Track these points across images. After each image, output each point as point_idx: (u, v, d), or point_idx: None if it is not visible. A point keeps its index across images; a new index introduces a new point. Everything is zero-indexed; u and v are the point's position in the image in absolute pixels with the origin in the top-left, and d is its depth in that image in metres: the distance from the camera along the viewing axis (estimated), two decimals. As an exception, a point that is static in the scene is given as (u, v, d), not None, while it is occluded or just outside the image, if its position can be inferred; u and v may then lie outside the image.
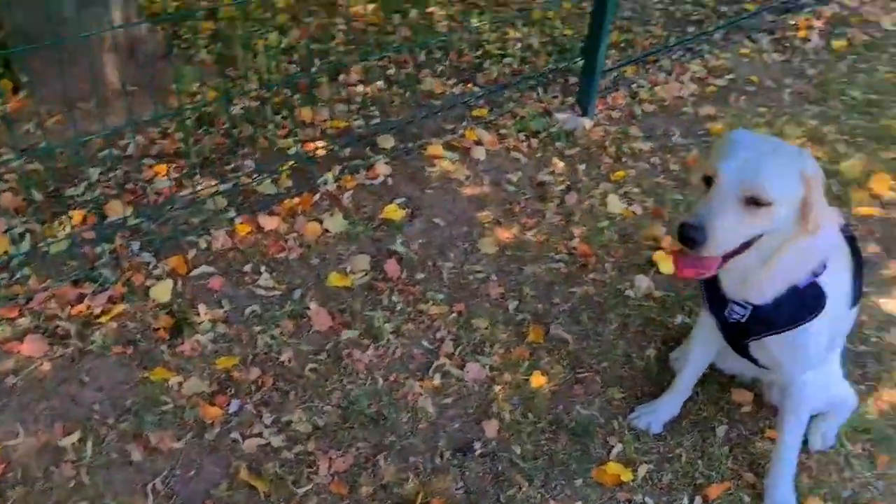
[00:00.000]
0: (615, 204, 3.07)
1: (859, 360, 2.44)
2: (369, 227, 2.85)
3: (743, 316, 1.79)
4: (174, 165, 3.07)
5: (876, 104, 3.98)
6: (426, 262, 2.72)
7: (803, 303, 1.73)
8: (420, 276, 2.66)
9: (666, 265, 2.76)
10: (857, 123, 3.78)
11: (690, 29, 4.60)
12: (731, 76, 4.21)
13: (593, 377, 2.34)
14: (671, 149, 3.53)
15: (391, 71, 3.89)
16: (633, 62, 4.15)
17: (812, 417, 2.06)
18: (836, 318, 1.83)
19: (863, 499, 2.04)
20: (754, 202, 1.55)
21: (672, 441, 2.15)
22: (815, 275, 1.72)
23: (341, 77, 3.74)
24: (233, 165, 3.09)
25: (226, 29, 4.15)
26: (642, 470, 2.06)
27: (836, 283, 1.77)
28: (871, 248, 2.89)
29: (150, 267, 2.58)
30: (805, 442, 2.08)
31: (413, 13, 4.45)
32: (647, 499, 2.00)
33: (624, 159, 3.41)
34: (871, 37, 4.78)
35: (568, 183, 3.19)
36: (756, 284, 1.74)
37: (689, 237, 1.55)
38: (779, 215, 1.59)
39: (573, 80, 3.94)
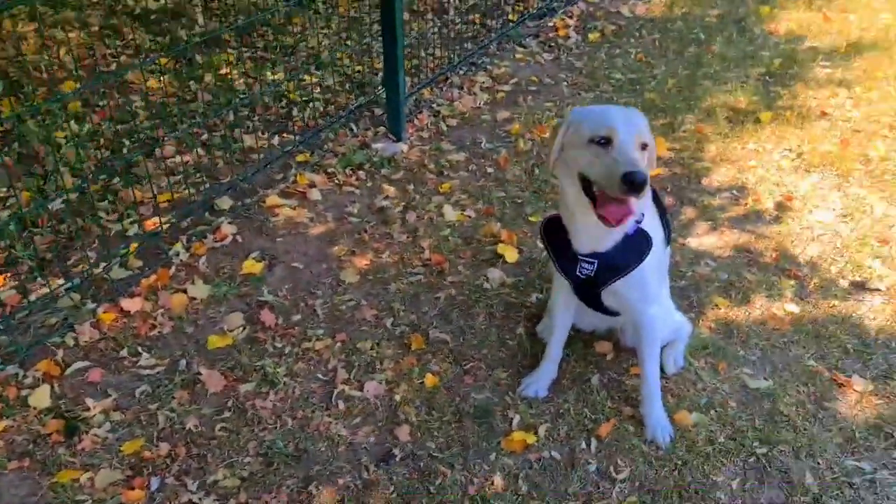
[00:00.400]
0: (450, 213, 3.37)
1: (683, 293, 2.89)
2: (233, 285, 2.93)
3: (592, 270, 2.12)
4: (10, 274, 2.96)
5: (637, 81, 4.61)
6: (298, 304, 2.85)
7: (637, 246, 2.10)
8: (296, 317, 2.79)
9: (511, 254, 3.09)
10: (627, 100, 4.36)
11: (468, 46, 5.03)
12: (514, 80, 4.69)
13: (478, 365, 2.59)
14: (483, 154, 3.89)
15: (205, 136, 3.95)
16: (427, 84, 4.50)
17: (662, 348, 2.45)
18: (658, 256, 2.22)
19: (717, 401, 2.45)
20: (644, 147, 1.95)
21: (559, 399, 2.45)
22: (639, 223, 2.10)
23: (157, 152, 3.75)
24: (73, 259, 3.04)
25: (14, 128, 3.99)
26: (542, 430, 2.34)
27: (653, 227, 2.16)
28: (668, 200, 3.39)
29: (20, 378, 2.51)
30: (662, 370, 2.46)
31: (208, 77, 4.52)
32: (553, 453, 2.28)
33: (445, 172, 3.72)
34: (618, 25, 5.50)
35: (403, 204, 3.44)
36: (604, 235, 2.08)
37: (640, 181, 1.83)
38: (647, 158, 1.99)
39: (379, 111, 4.21)
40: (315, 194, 3.48)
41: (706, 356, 2.62)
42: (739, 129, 4.02)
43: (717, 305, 2.83)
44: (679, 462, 2.25)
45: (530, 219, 3.34)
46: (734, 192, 3.51)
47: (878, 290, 2.90)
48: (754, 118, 4.11)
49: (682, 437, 2.31)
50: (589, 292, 2.24)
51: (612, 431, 2.34)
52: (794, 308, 2.81)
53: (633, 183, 1.84)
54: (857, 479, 2.20)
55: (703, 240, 3.20)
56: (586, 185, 1.99)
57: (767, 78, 4.61)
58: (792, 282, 2.94)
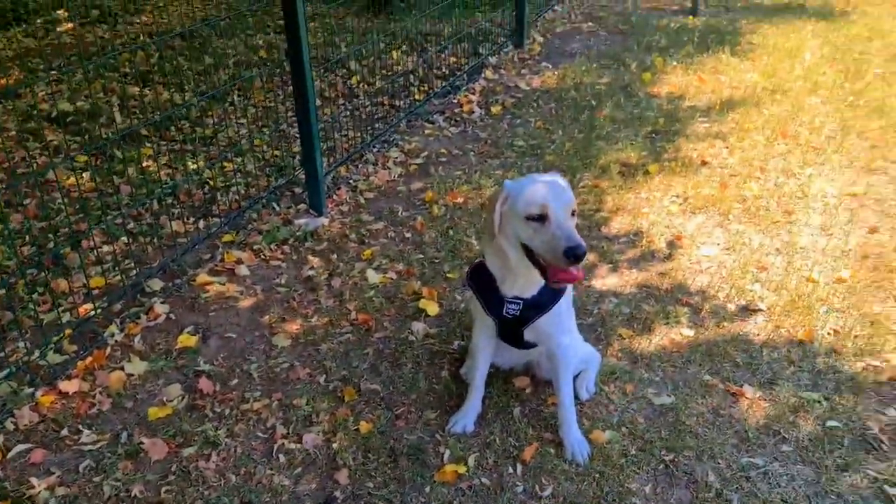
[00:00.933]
0: (373, 276, 3.59)
1: (591, 328, 3.17)
2: (169, 359, 3.06)
3: (517, 310, 2.39)
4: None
5: (538, 147, 5.00)
6: (234, 370, 2.99)
7: (554, 291, 2.38)
8: (233, 382, 2.93)
9: (432, 308, 3.32)
10: (530, 164, 4.73)
11: (379, 125, 5.36)
12: (425, 153, 5.02)
13: (408, 409, 2.78)
14: (400, 221, 4.15)
15: (131, 225, 4.10)
16: (343, 163, 4.78)
17: (574, 378, 2.70)
18: (569, 292, 2.51)
19: (627, 419, 2.70)
20: (573, 213, 2.21)
21: (485, 432, 2.66)
22: None
23: (84, 243, 3.87)
24: (9, 350, 3.11)
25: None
26: (471, 460, 2.53)
27: None
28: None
29: (-39, 466, 2.56)
30: (576, 396, 2.70)
31: (130, 170, 4.68)
32: (482, 479, 2.47)
33: (366, 240, 3.96)
34: (517, 98, 5.95)
35: (328, 272, 3.65)
36: (531, 284, 2.38)
37: (581, 254, 2.09)
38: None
39: (299, 190, 4.45)
40: (243, 270, 3.66)
41: (615, 381, 2.88)
42: (631, 181, 4.43)
43: (621, 336, 3.12)
44: (597, 475, 2.47)
45: (448, 276, 3.60)
46: (630, 236, 3.86)
47: (760, 310, 3.25)
48: (644, 171, 4.53)
49: (599, 452, 2.54)
50: (512, 329, 2.49)
51: (535, 455, 2.55)
52: (689, 332, 3.12)
53: (576, 256, 2.11)
54: (753, 473, 2.46)
55: (605, 280, 3.51)
56: (528, 251, 2.26)
57: (654, 135, 5.08)
58: (685, 309, 3.26)
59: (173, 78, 6.34)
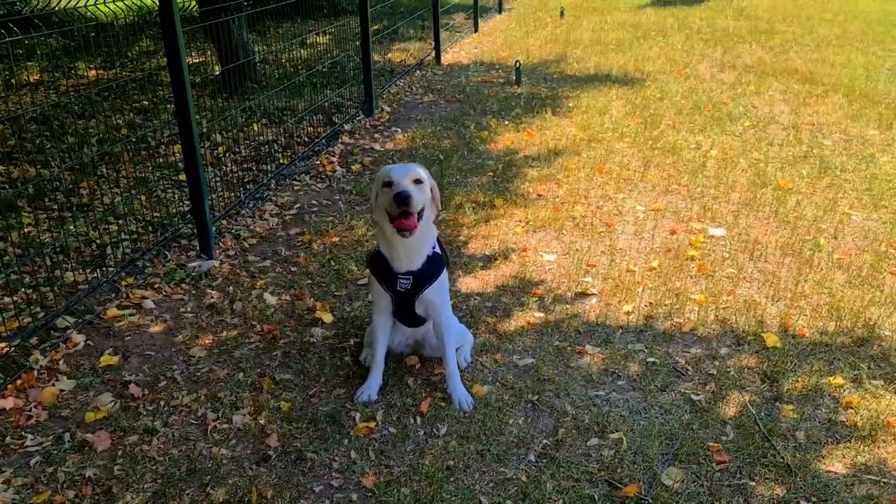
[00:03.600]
0: (271, 299, 4.09)
1: (463, 319, 3.83)
2: (96, 375, 3.40)
3: (409, 283, 3.01)
4: None
5: (398, 192, 5.70)
6: (159, 377, 3.38)
7: (437, 263, 3.07)
8: (161, 385, 3.32)
9: (327, 317, 3.87)
10: (393, 205, 5.41)
11: (250, 186, 5.88)
12: (298, 205, 5.59)
13: (320, 389, 3.30)
14: (285, 259, 4.68)
15: (28, 279, 4.35)
16: (224, 216, 5.25)
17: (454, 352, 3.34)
18: (445, 275, 3.17)
19: (499, 377, 3.36)
20: (417, 181, 2.87)
21: (387, 398, 3.22)
22: (434, 250, 3.05)
23: (-17, 297, 4.09)
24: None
25: None
26: (379, 416, 3.08)
27: (440, 256, 3.12)
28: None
29: (-89, 476, 2.78)
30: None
31: (14, 236, 4.91)
32: (390, 429, 3.02)
33: (257, 275, 4.46)
34: (374, 157, 6.68)
35: (229, 299, 4.11)
36: (416, 257, 3.02)
37: (404, 196, 2.76)
38: (426, 191, 2.91)
39: (185, 241, 4.88)
40: (149, 304, 4.04)
41: (486, 352, 3.54)
42: (482, 213, 5.22)
43: (487, 322, 3.81)
44: (481, 417, 3.09)
45: (336, 294, 4.16)
46: (486, 253, 4.61)
47: (593, 293, 4.06)
48: (491, 205, 5.35)
49: (480, 402, 3.17)
50: (406, 303, 3.10)
51: (430, 408, 3.14)
52: (540, 314, 3.86)
53: (398, 197, 2.80)
54: (598, 401, 3.18)
55: (469, 285, 4.21)
56: (392, 218, 2.92)
57: (496, 179, 5.95)
58: (535, 299, 4.01)
59: (38, 156, 6.56)
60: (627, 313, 3.86)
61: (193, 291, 4.24)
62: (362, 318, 3.88)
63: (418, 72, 10.20)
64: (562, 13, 15.43)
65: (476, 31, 13.84)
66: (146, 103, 8.48)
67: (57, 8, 4.08)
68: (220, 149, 6.89)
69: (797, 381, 3.26)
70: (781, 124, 7.34)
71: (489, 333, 3.71)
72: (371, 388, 3.24)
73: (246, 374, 3.41)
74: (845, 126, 7.24)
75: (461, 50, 12.08)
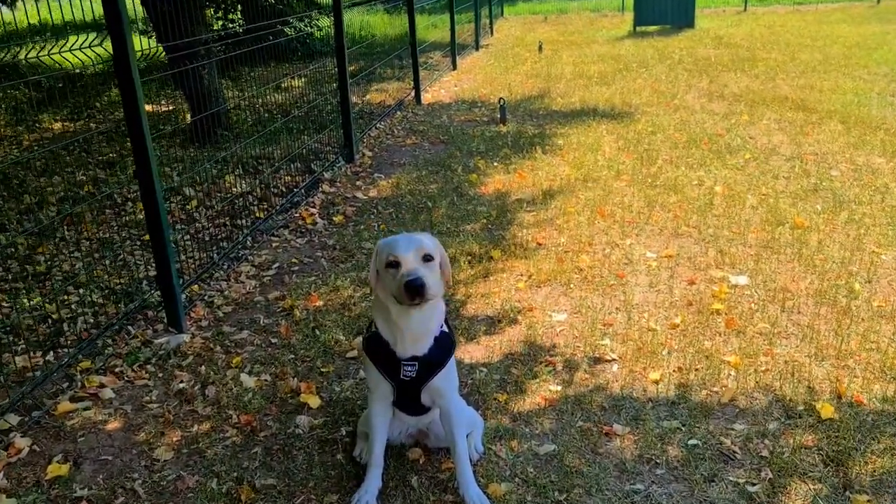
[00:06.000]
0: (248, 381, 3.59)
1: (469, 397, 3.35)
2: (41, 491, 2.87)
3: (414, 371, 2.54)
4: None
5: (386, 246, 5.23)
6: (116, 491, 2.86)
7: (445, 345, 2.59)
8: (118, 501, 2.79)
9: (314, 401, 3.37)
10: (382, 262, 4.95)
11: (224, 244, 5.40)
12: (276, 265, 5.11)
13: (308, 496, 2.79)
14: (264, 329, 4.19)
15: (-30, 367, 3.83)
16: (195, 282, 4.76)
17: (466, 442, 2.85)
18: (453, 359, 2.71)
19: (518, 471, 2.87)
20: (428, 258, 2.41)
21: (389, 501, 2.72)
22: (441, 329, 2.59)
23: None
24: None
25: None
26: (381, 531, 2.58)
27: (449, 336, 2.66)
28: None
29: None
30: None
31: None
32: (395, 548, 2.52)
33: (232, 350, 3.96)
34: (356, 207, 6.23)
35: (201, 382, 3.60)
36: (422, 340, 2.56)
37: (417, 286, 2.30)
38: (436, 267, 2.46)
39: (152, 313, 4.38)
40: (108, 393, 3.52)
41: (500, 439, 3.06)
42: (479, 267, 4.77)
43: (497, 399, 3.33)
44: (501, 525, 2.60)
45: (322, 370, 3.67)
46: (488, 314, 4.15)
47: (613, 359, 3.60)
48: (488, 257, 4.90)
49: (499, 503, 2.69)
50: (410, 392, 2.62)
51: (440, 516, 2.65)
52: (556, 387, 3.39)
53: (411, 287, 2.32)
54: (637, 498, 2.70)
55: (473, 354, 3.74)
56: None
57: (490, 226, 5.51)
58: (549, 368, 3.54)
59: (-7, 219, 6.05)
60: (655, 382, 3.40)
61: (160, 374, 3.73)
62: (354, 400, 3.39)
63: (398, 113, 9.82)
64: (540, 48, 15.21)
65: (455, 68, 13.55)
66: (113, 155, 8.01)
67: (23, 58, 3.63)
68: (192, 203, 6.42)
69: (867, 462, 2.80)
70: (783, 155, 7.00)
71: (501, 414, 3.23)
72: (369, 492, 2.73)
73: (220, 481, 2.89)
74: (850, 155, 6.91)
75: (441, 88, 11.75)
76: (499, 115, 9.02)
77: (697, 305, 4.06)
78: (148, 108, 3.97)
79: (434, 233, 5.38)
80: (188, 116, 8.90)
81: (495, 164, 7.15)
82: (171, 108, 9.59)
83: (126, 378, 3.69)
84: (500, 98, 9.08)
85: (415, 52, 10.40)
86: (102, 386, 3.58)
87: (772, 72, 11.74)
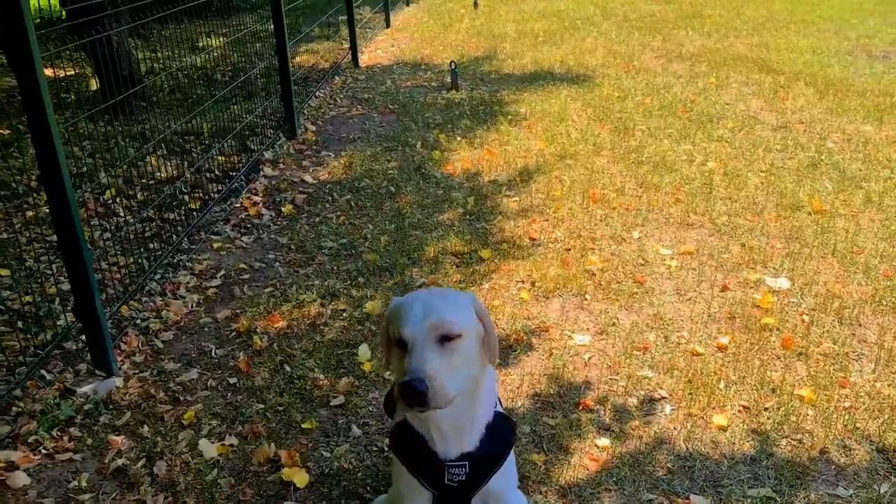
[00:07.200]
0: (208, 448, 2.79)
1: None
2: None
3: (464, 473, 1.81)
4: None
5: (351, 245, 4.45)
6: None
7: (502, 434, 1.86)
8: None
9: (300, 478, 2.60)
10: (349, 266, 4.16)
11: (154, 245, 4.48)
12: (222, 273, 4.24)
13: None
14: (217, 363, 3.37)
15: None
16: (124, 301, 3.85)
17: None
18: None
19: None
20: (447, 338, 1.65)
21: None
22: (494, 407, 1.85)
23: None
24: None
25: None
26: None
27: (504, 418, 1.91)
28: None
29: None
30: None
31: None
32: None
33: (181, 398, 3.13)
34: (307, 193, 5.37)
35: (145, 454, 2.78)
36: (470, 431, 1.82)
37: (416, 393, 1.56)
38: (471, 347, 1.72)
39: (71, 345, 3.48)
40: (20, 478, 2.66)
41: (553, 526, 2.38)
42: (468, 272, 4.04)
43: (535, 463, 2.64)
44: None
45: (304, 426, 2.90)
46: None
47: (663, 398, 2.95)
48: (477, 258, 4.17)
49: None
50: (456, 500, 1.89)
51: None
52: (605, 442, 2.73)
53: (405, 390, 1.60)
54: None
55: (489, 395, 3.02)
56: None
57: (468, 217, 4.77)
58: (590, 416, 2.87)
59: None
60: (723, 429, 2.78)
61: (89, 441, 2.87)
62: (353, 473, 2.64)
63: (337, 78, 8.86)
64: (475, 4, 14.34)
65: (388, 26, 12.57)
66: (6, 132, 6.82)
67: None
68: (108, 193, 5.41)
69: None
70: (768, 124, 6.49)
71: (544, 486, 2.54)
72: None
73: None
74: (837, 123, 6.46)
75: (377, 49, 10.79)
76: (449, 80, 8.20)
77: (742, 319, 3.46)
78: (48, 72, 3.02)
79: (406, 225, 4.60)
80: (93, 82, 7.72)
81: (458, 137, 6.38)
82: (74, 71, 8.35)
83: (43, 451, 2.82)
84: (452, 62, 8.24)
85: (350, 6, 9.40)
86: (12, 467, 2.71)
87: (722, 29, 11.27)
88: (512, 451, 1.95)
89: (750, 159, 5.59)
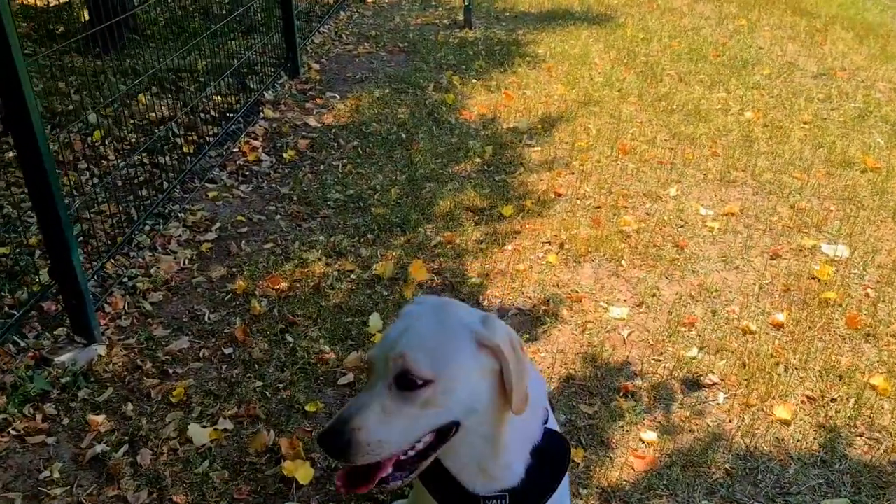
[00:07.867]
0: (199, 433, 2.45)
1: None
2: None
3: None
4: None
5: (359, 197, 4.06)
6: None
7: (554, 457, 1.48)
8: None
9: (303, 473, 2.27)
10: (357, 221, 3.79)
11: (144, 192, 4.09)
12: (217, 225, 3.86)
13: None
14: (211, 330, 3.02)
15: None
16: (110, 256, 3.48)
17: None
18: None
19: None
20: (406, 381, 1.26)
21: None
22: (545, 422, 1.48)
23: None
24: None
25: None
26: None
27: (556, 437, 1.54)
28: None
29: None
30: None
31: None
32: None
33: (170, 370, 2.78)
34: (310, 138, 4.94)
35: (127, 438, 2.44)
36: (497, 465, 1.43)
37: (330, 445, 1.23)
38: (454, 395, 1.29)
39: (50, 305, 3.13)
40: (-16, 466, 2.33)
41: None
42: (488, 230, 3.65)
43: (573, 460, 2.30)
44: None
45: (307, 409, 2.56)
46: (519, 307, 3.07)
47: (714, 383, 2.61)
48: (497, 214, 3.78)
49: None
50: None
51: None
52: (651, 436, 2.39)
53: (319, 439, 1.26)
54: None
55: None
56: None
57: (487, 168, 4.36)
58: (631, 403, 2.53)
59: None
60: (786, 423, 2.43)
61: (65, 421, 2.54)
62: (364, 468, 2.30)
63: (342, 13, 8.31)
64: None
65: (396, -42, 11.86)
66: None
67: None
68: (96, 134, 4.98)
69: None
70: (808, 71, 6.02)
71: (584, 489, 2.21)
72: None
73: None
74: (883, 72, 5.98)
75: (385, -18, 10.16)
76: (462, 18, 7.67)
77: (799, 293, 3.09)
78: None
79: (417, 176, 4.20)
80: (85, 14, 7.20)
81: (473, 80, 5.91)
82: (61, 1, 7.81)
83: (13, 431, 2.48)
84: (465, -4, 7.69)
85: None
86: (-24, 452, 2.38)
87: (750, -32, 10.62)
88: (567, 479, 1.57)
89: (791, 109, 5.15)
